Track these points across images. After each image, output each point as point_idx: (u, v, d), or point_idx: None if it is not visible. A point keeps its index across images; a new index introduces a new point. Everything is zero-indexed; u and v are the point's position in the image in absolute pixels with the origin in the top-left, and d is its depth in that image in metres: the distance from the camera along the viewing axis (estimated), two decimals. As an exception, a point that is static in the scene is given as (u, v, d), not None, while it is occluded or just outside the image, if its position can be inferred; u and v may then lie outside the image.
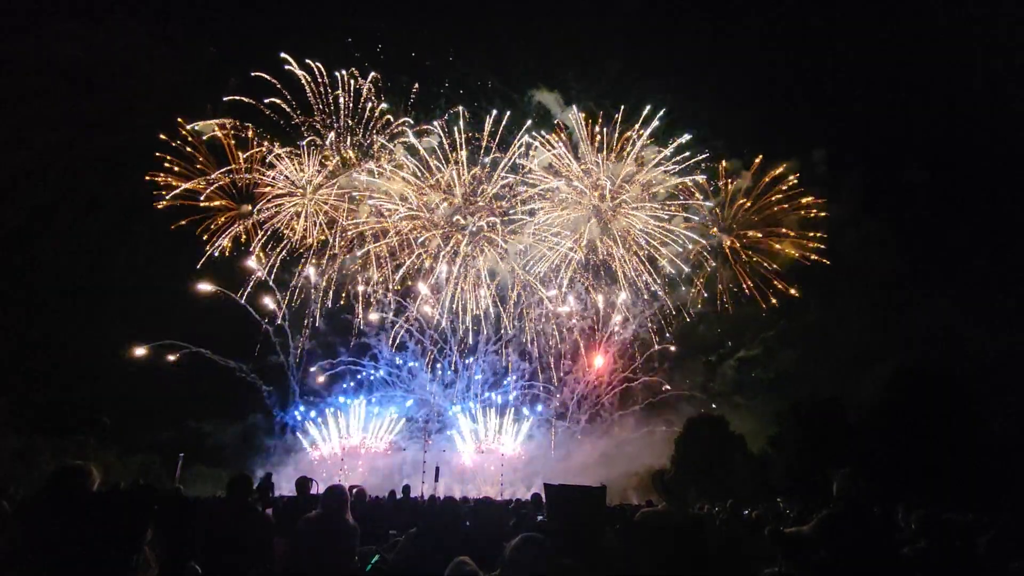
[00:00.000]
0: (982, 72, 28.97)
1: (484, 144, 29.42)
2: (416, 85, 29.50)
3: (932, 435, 20.32)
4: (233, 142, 27.64)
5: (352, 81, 29.04)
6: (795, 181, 29.39)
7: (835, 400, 24.08)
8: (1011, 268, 26.81)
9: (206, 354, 27.15)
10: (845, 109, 33.19)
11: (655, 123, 29.12)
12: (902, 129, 31.53)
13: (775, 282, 29.46)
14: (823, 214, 29.42)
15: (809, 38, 32.84)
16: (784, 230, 29.56)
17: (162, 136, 26.75)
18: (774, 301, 29.27)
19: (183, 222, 26.73)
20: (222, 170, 27.33)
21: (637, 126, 29.20)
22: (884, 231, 29.39)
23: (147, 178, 26.46)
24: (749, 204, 29.94)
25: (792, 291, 29.24)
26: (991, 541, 4.74)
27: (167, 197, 26.50)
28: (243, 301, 27.55)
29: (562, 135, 29.62)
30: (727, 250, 30.08)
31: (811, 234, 29.19)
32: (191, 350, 26.83)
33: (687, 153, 29.35)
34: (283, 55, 27.95)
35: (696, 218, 29.80)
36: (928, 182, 30.83)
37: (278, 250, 28.32)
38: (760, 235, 29.90)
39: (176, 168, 26.91)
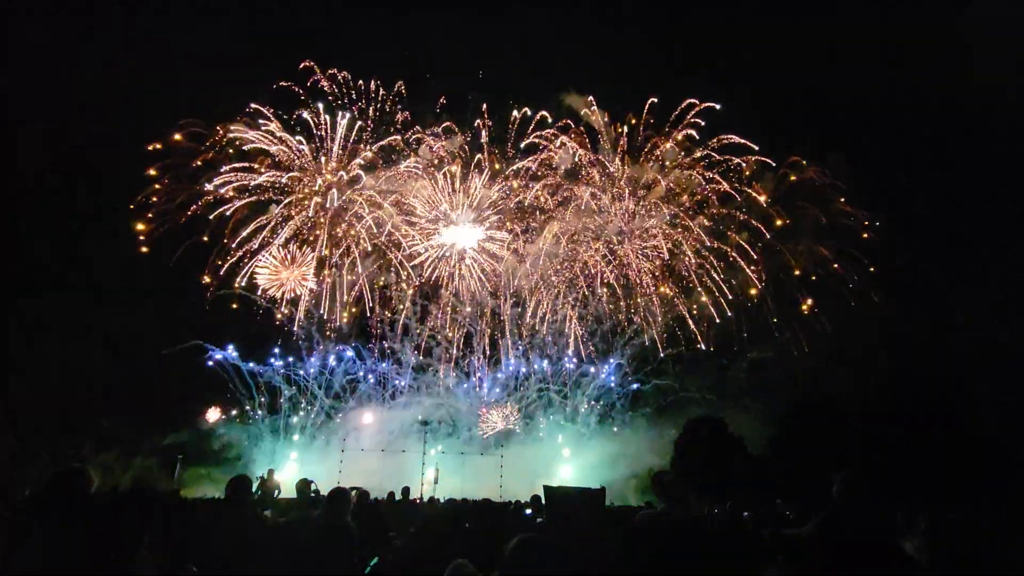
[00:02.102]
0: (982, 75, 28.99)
1: (510, 153, 30.05)
2: (443, 99, 29.90)
3: (932, 436, 20.34)
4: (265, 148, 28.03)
5: (378, 90, 29.47)
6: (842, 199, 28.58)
7: (835, 401, 24.05)
8: (1011, 268, 26.82)
9: (230, 357, 27.37)
10: (846, 110, 33.21)
11: (687, 130, 29.39)
12: (904, 128, 31.63)
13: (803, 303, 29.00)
14: (865, 235, 28.23)
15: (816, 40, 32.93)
16: (821, 250, 28.91)
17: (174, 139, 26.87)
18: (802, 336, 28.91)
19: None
20: (229, 168, 27.46)
21: (667, 128, 29.55)
22: (885, 231, 29.40)
23: (156, 198, 26.58)
24: (777, 212, 29.50)
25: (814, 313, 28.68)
26: (991, 542, 4.73)
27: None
28: (264, 304, 27.90)
29: (589, 149, 30.01)
30: (749, 271, 29.75)
31: (871, 270, 28.11)
32: (213, 354, 27.08)
33: (713, 155, 29.53)
34: (309, 63, 28.39)
35: (712, 224, 29.83)
36: (929, 182, 30.85)
37: (302, 254, 28.44)
38: (795, 265, 29.25)
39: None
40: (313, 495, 11.69)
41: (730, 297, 29.56)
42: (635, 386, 30.44)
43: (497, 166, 30.30)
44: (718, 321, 29.65)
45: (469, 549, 3.54)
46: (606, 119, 29.60)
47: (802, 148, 29.78)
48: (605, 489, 3.83)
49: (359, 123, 29.12)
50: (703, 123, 29.27)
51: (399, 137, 29.43)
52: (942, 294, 28.33)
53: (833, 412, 23.28)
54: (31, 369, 24.52)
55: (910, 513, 5.28)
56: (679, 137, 29.39)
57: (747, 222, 29.38)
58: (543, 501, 6.76)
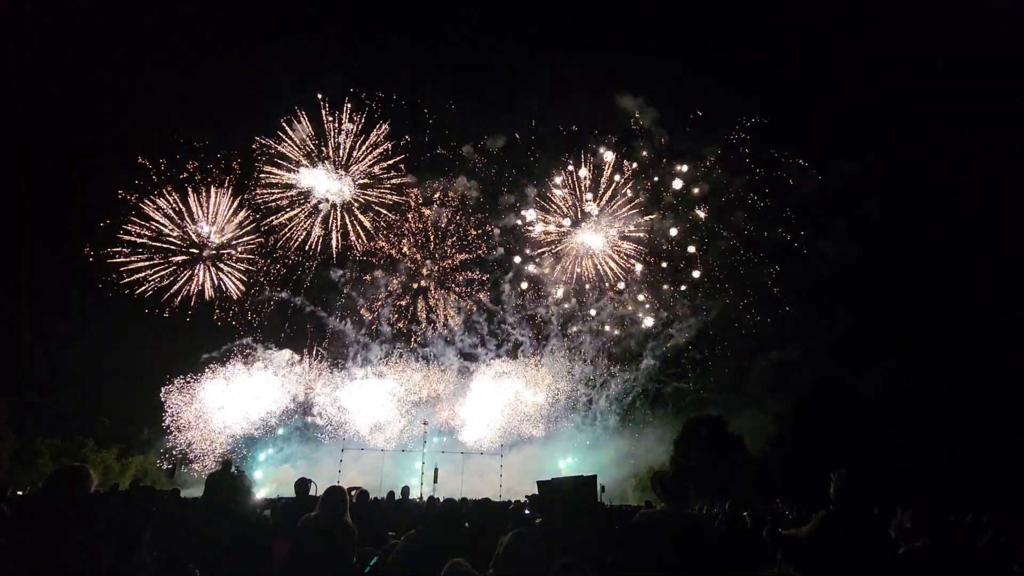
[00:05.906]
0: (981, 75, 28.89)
1: (565, 157, 31.65)
2: (498, 143, 31.46)
3: (932, 435, 20.32)
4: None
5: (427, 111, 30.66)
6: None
7: (834, 400, 24.03)
8: (1012, 267, 26.72)
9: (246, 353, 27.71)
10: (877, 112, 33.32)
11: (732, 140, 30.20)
12: (912, 128, 31.68)
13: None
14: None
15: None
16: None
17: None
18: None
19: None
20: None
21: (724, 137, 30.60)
22: (889, 231, 29.46)
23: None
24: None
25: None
26: (991, 541, 4.73)
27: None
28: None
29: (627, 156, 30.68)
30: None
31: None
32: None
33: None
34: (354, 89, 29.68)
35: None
36: (931, 182, 30.80)
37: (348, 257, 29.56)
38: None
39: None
40: (312, 495, 11.64)
41: (753, 299, 30.06)
42: (656, 387, 30.82)
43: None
44: (737, 325, 30.14)
45: (468, 549, 3.54)
46: (652, 123, 30.90)
47: (837, 150, 30.29)
48: (596, 476, 3.83)
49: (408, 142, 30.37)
50: (747, 135, 30.33)
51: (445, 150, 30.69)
52: (948, 294, 28.32)
53: (833, 411, 23.26)
54: (33, 369, 24.54)
55: (908, 512, 5.28)
56: (720, 147, 30.52)
57: (776, 226, 30.19)
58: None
